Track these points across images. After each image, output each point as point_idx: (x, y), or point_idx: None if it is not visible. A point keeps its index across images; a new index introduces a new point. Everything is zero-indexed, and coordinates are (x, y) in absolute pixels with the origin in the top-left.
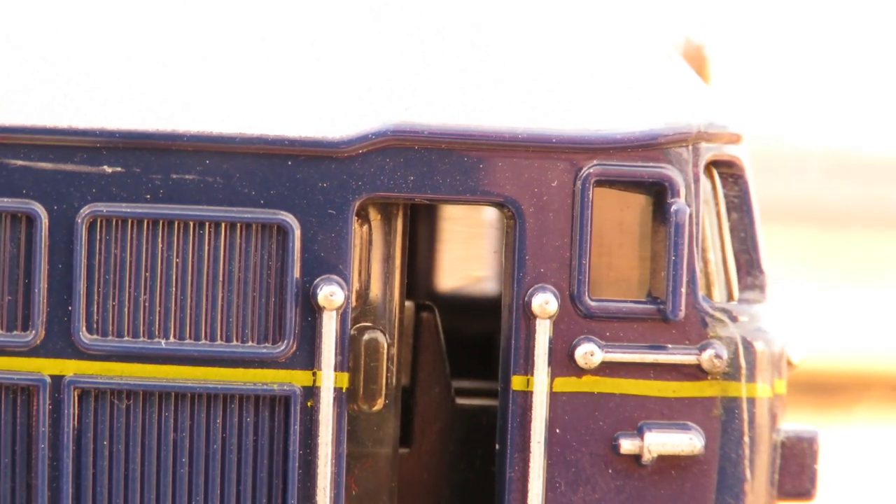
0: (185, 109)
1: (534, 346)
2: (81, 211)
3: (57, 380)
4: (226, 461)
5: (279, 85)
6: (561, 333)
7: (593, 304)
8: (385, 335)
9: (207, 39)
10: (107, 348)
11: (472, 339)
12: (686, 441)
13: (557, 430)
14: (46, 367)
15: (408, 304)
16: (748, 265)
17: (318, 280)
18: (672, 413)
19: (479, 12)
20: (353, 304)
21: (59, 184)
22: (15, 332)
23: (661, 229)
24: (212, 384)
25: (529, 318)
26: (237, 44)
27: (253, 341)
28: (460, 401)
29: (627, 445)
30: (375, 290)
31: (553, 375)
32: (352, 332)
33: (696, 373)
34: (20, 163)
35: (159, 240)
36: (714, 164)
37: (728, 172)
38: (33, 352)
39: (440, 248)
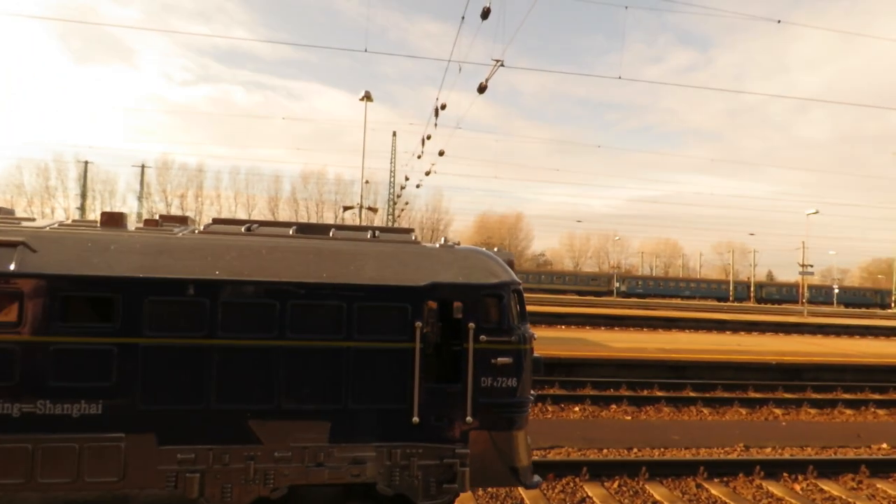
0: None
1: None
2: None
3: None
4: (388, 373)
5: (393, 271)
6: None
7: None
8: (435, 335)
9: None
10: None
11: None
12: (509, 360)
13: (475, 360)
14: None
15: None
16: (521, 314)
17: (415, 321)
18: (506, 353)
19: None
20: (425, 327)
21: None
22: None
23: (499, 304)
24: (386, 346)
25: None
26: (360, 258)
27: (396, 335)
28: (454, 348)
29: (493, 361)
30: (429, 322)
31: (474, 343)
32: (424, 331)
33: (512, 342)
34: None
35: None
36: (514, 291)
37: (517, 293)
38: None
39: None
